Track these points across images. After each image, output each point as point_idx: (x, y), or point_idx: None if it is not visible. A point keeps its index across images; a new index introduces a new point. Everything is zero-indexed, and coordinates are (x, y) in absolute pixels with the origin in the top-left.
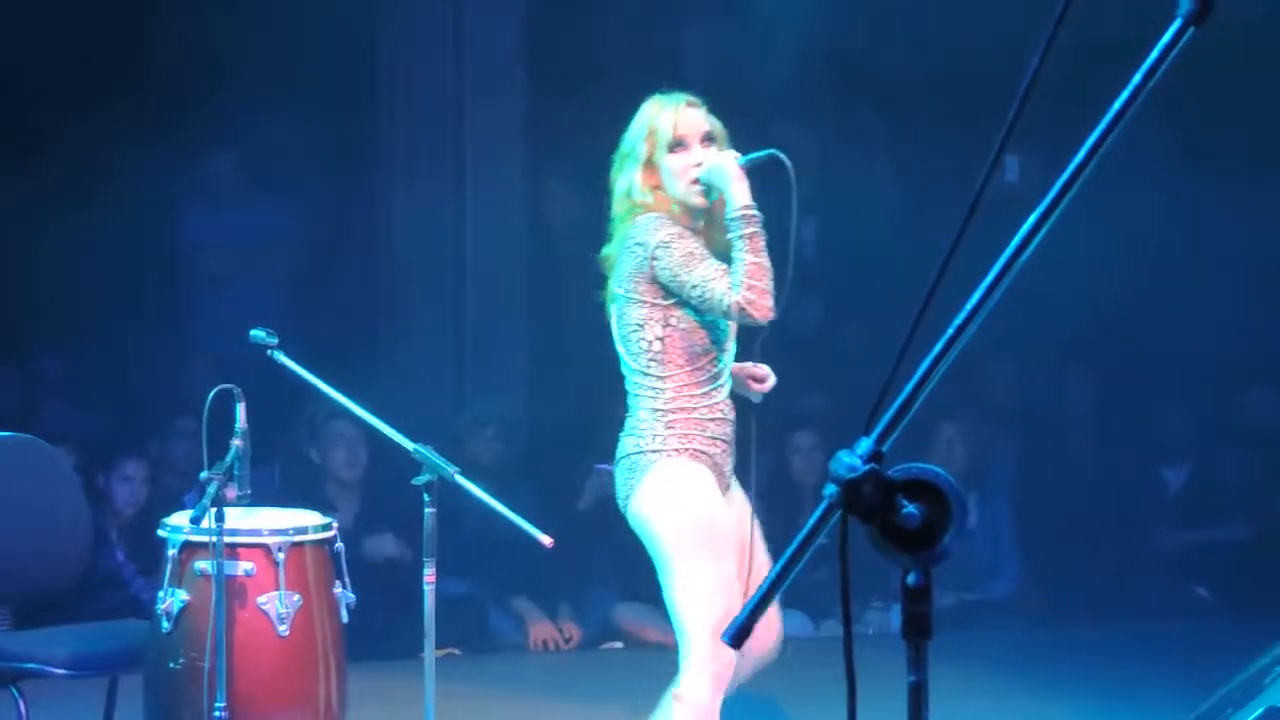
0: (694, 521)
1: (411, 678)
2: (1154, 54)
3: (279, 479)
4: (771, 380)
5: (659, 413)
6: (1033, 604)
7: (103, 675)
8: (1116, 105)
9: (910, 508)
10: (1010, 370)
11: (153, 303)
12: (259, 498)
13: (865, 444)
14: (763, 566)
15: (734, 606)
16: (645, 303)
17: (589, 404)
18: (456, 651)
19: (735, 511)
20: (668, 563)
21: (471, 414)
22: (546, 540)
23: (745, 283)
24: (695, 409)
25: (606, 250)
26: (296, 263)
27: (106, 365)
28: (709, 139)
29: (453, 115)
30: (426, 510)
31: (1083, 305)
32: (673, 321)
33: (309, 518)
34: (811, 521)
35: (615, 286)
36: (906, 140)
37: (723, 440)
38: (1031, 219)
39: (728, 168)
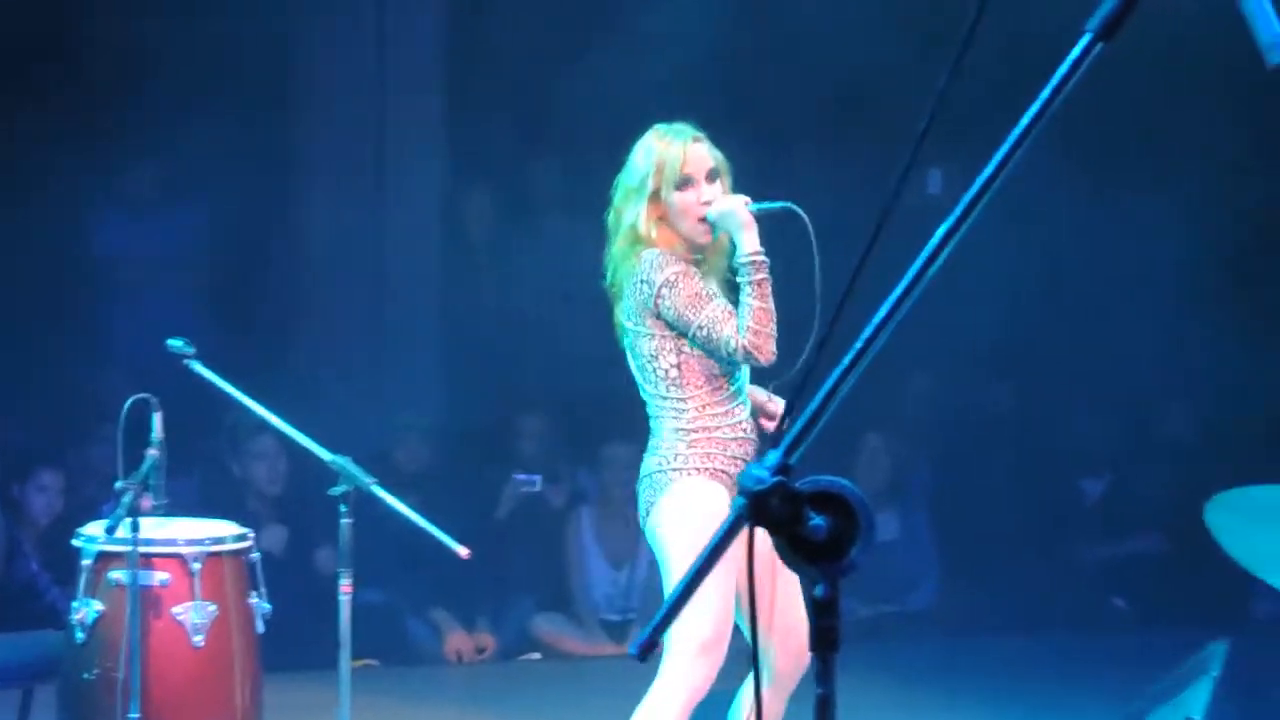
0: (700, 539)
1: (328, 688)
2: (1062, 69)
3: (199, 489)
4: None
5: (681, 432)
6: (951, 616)
7: (17, 686)
8: (1025, 120)
9: (817, 520)
10: (930, 382)
11: (71, 311)
12: (178, 508)
13: (773, 456)
14: (788, 584)
15: (724, 629)
16: (655, 335)
17: (505, 413)
18: (374, 663)
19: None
20: (668, 578)
21: (397, 422)
22: (463, 551)
23: (752, 327)
24: (719, 428)
25: (611, 279)
26: (215, 271)
27: (23, 374)
28: (714, 175)
29: (373, 120)
30: (343, 521)
31: (1004, 318)
32: (685, 349)
33: (225, 528)
34: (719, 534)
35: (624, 320)
36: (832, 156)
37: (744, 460)
38: (939, 232)
39: (739, 214)
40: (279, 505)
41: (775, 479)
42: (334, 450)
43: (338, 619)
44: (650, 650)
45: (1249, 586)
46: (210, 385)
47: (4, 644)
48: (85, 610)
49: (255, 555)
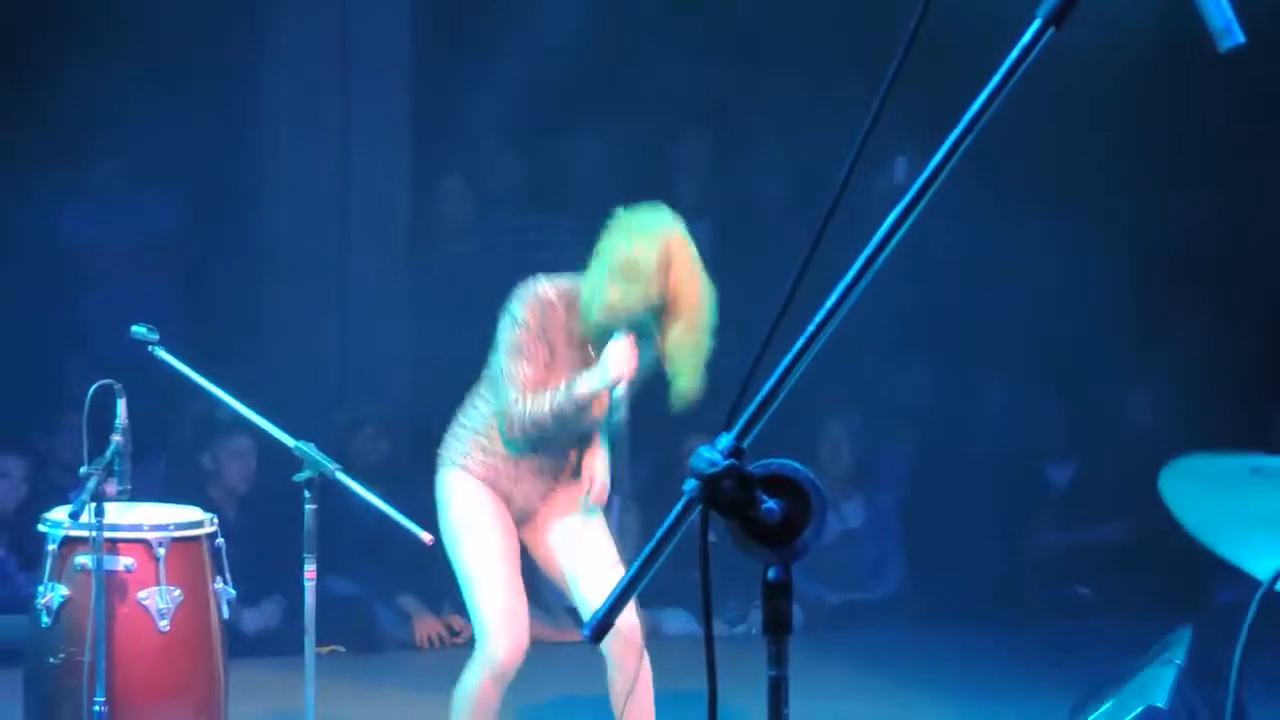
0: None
1: (294, 673)
2: (1013, 54)
3: (164, 474)
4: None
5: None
6: (917, 603)
7: None
8: (975, 106)
9: (770, 503)
10: (896, 370)
11: (36, 298)
12: (144, 493)
13: (725, 440)
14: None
15: (511, 605)
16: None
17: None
18: (341, 649)
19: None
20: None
21: (349, 414)
22: (426, 537)
23: (523, 414)
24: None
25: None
26: (181, 258)
27: None
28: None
29: (339, 106)
30: (307, 507)
31: (969, 308)
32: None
33: (190, 513)
34: (671, 517)
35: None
36: (800, 140)
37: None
38: (890, 219)
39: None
40: (246, 497)
41: (728, 462)
42: (298, 437)
43: (303, 605)
44: (603, 634)
45: (1213, 574)
46: (175, 372)
47: None
48: (51, 595)
49: (220, 541)
